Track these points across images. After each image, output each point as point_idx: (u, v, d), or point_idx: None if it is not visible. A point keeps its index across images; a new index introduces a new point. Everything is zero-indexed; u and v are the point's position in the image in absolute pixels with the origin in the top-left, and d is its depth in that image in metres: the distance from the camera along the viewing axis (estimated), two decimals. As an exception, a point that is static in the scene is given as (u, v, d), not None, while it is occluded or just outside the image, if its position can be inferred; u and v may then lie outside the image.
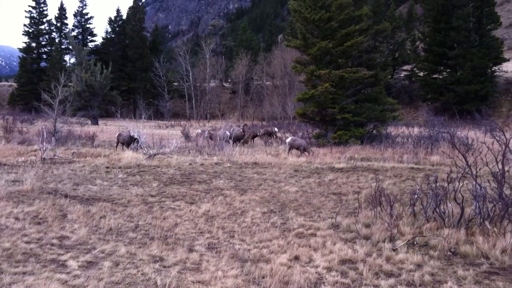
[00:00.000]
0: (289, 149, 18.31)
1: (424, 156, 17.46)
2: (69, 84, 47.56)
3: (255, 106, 62.46)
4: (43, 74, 67.97)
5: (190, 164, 15.22)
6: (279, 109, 54.35)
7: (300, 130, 32.01)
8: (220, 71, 72.76)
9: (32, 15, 72.71)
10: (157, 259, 6.12)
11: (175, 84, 72.33)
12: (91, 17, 78.52)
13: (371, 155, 18.30)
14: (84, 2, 78.82)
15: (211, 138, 22.54)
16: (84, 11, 78.21)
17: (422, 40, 58.25)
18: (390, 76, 52.85)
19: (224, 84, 77.72)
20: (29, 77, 70.18)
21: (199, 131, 26.31)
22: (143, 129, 22.93)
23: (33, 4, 72.88)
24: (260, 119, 56.69)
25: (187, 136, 25.76)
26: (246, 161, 15.93)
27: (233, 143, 21.36)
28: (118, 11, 77.75)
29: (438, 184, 7.76)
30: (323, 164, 15.38)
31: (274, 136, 28.32)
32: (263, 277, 5.50)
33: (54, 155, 16.07)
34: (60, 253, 6.18)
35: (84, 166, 14.46)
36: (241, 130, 23.80)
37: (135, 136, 19.88)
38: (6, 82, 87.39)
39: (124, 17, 77.04)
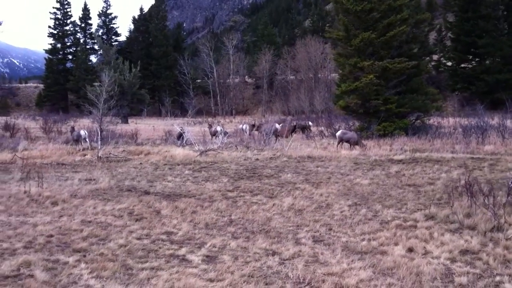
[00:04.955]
0: (339, 142, 18.20)
1: (476, 146, 17.22)
2: (94, 84, 48.06)
3: (281, 101, 62.26)
4: (69, 75, 68.89)
5: (245, 159, 15.26)
6: (306, 103, 54.06)
7: (334, 124, 31.75)
8: (242, 67, 72.71)
9: (56, 16, 73.53)
10: (271, 252, 6.13)
11: (198, 81, 72.59)
12: (115, 17, 79.33)
13: (420, 146, 18.12)
14: (108, 2, 79.38)
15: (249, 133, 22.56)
16: (108, 11, 79.02)
17: (449, 29, 57.29)
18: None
19: (247, 79, 77.66)
20: (55, 78, 71.15)
21: (243, 126, 26.21)
22: (185, 126, 23.17)
23: (58, 5, 73.72)
24: (286, 113, 56.50)
25: (225, 132, 25.79)
26: (300, 155, 15.91)
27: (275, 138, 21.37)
28: (141, 9, 78.44)
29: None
30: (380, 156, 15.28)
31: (308, 130, 28.22)
32: (391, 269, 5.47)
33: (110, 153, 16.27)
34: (175, 248, 6.23)
35: (141, 163, 14.61)
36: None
37: (182, 132, 20.17)
38: (27, 84, 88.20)
39: (147, 16, 77.47)
